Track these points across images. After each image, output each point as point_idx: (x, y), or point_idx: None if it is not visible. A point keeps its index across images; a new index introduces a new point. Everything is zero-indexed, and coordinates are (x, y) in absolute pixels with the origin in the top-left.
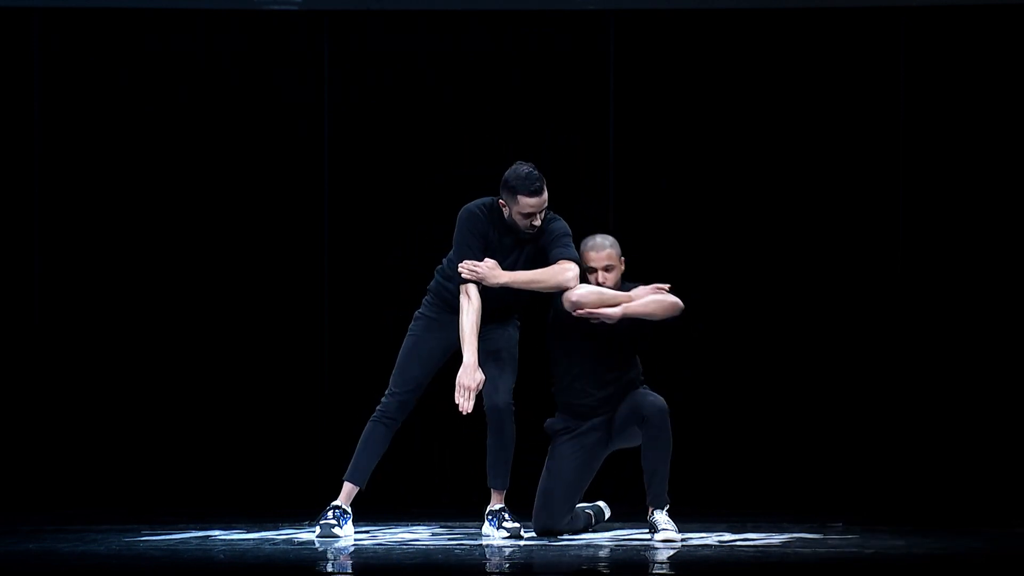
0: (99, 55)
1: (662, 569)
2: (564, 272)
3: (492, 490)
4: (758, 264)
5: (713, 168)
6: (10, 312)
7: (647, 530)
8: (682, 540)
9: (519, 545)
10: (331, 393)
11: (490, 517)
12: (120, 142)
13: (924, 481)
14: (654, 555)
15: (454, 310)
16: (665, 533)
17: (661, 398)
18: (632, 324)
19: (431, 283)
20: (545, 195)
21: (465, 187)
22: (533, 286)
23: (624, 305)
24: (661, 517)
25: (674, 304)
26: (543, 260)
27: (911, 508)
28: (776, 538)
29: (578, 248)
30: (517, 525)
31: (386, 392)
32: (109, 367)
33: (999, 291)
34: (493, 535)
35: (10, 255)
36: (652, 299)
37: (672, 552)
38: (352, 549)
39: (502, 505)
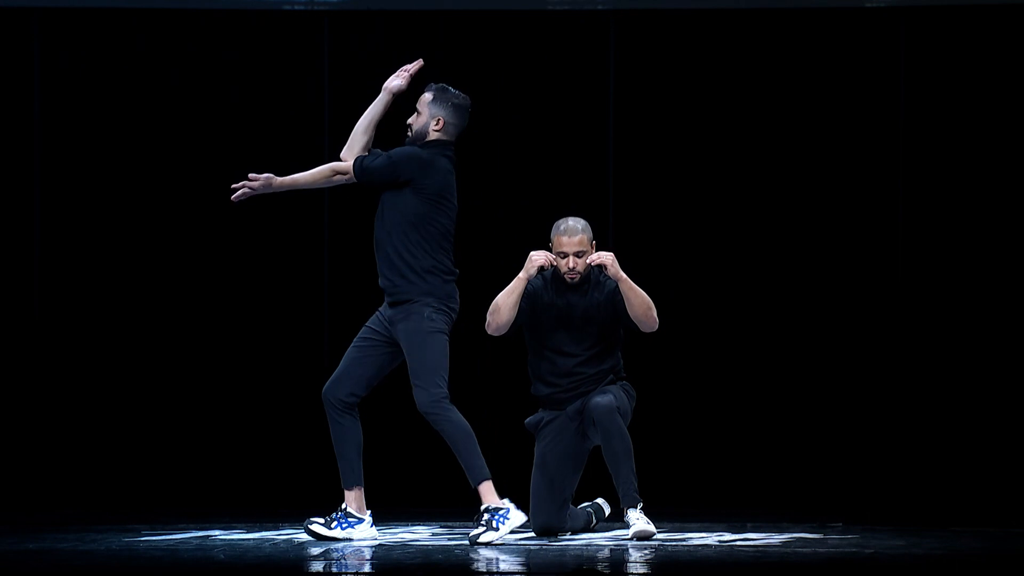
0: (99, 55)
1: (661, 569)
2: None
3: (476, 487)
4: (758, 264)
5: (713, 168)
6: (10, 309)
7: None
8: (657, 532)
9: (519, 545)
10: None
11: (489, 516)
12: (120, 142)
13: (924, 481)
14: (651, 555)
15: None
16: (636, 527)
17: (611, 396)
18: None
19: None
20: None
21: (464, 186)
22: (305, 184)
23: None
24: (632, 514)
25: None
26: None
27: (911, 508)
28: (776, 538)
29: (548, 231)
30: (507, 507)
31: (342, 396)
32: (109, 366)
33: (999, 291)
34: (493, 534)
35: (10, 253)
36: None
37: (653, 551)
38: (352, 549)
39: (493, 502)
